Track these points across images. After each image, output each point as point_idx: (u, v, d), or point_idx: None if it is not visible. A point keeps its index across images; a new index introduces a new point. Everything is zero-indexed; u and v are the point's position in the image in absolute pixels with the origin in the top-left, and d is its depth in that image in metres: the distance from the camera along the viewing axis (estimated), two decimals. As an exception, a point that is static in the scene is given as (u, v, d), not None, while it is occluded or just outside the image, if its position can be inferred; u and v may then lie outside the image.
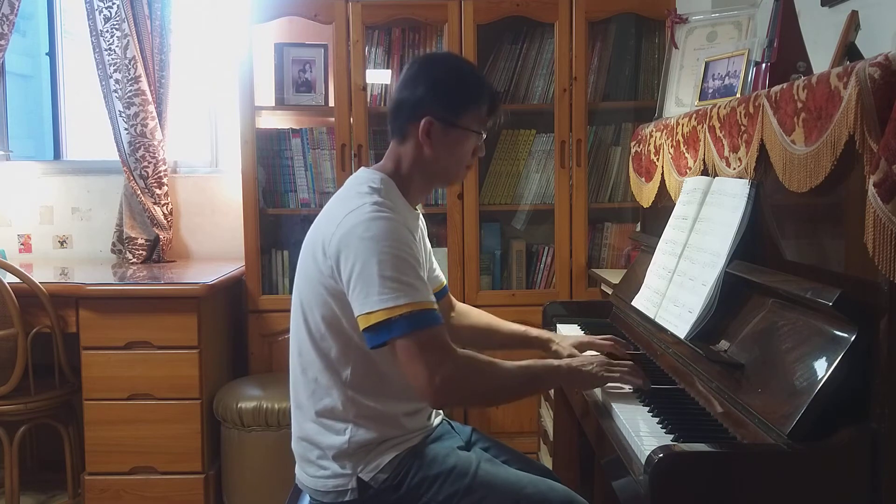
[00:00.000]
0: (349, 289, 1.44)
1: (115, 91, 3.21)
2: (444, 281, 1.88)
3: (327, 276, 1.48)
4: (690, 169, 1.90)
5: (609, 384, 1.58)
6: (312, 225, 1.59)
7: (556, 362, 1.61)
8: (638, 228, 2.66)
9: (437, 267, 1.86)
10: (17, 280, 2.66)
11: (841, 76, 1.19)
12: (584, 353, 1.76)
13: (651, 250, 1.99)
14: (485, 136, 1.64)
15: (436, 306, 1.45)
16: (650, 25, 3.06)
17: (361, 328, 1.42)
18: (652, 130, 2.26)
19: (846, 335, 1.18)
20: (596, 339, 1.86)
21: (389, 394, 1.54)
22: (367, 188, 1.52)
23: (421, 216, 1.72)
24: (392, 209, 1.49)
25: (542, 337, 1.89)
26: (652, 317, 1.80)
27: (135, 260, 3.29)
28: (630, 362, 1.62)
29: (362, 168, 1.63)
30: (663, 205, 2.15)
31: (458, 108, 1.56)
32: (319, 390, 1.54)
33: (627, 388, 1.59)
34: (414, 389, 1.43)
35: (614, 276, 2.61)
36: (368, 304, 1.40)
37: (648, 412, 1.47)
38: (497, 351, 1.79)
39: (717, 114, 1.72)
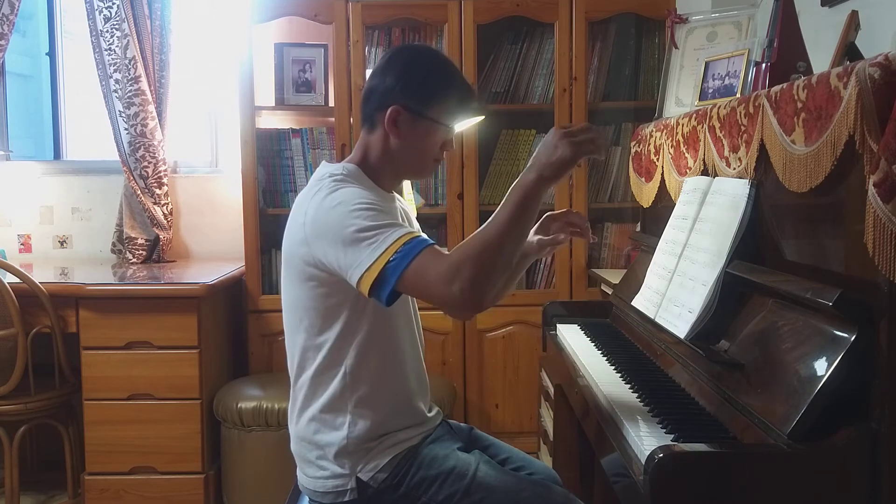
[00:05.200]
0: (341, 263, 1.40)
1: (115, 91, 3.21)
2: None
3: (311, 267, 1.47)
4: (690, 169, 1.90)
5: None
6: (286, 227, 1.57)
7: (523, 177, 1.38)
8: (638, 228, 2.66)
9: None
10: (17, 280, 2.66)
11: (841, 76, 1.19)
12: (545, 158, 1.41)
13: (651, 250, 1.99)
14: (455, 130, 1.59)
15: (420, 233, 1.43)
16: (650, 25, 3.06)
17: (367, 292, 1.36)
18: (652, 130, 2.26)
19: (846, 335, 1.18)
20: (555, 213, 1.74)
21: (386, 382, 1.54)
22: (329, 178, 1.50)
23: (399, 199, 1.68)
24: (354, 185, 1.48)
25: None
26: (652, 317, 1.80)
27: (135, 260, 3.29)
28: (585, 124, 1.43)
29: (322, 163, 1.62)
30: (663, 205, 2.15)
31: (427, 98, 1.52)
32: (316, 387, 1.54)
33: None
34: (443, 311, 1.40)
35: (614, 276, 2.61)
36: (362, 264, 1.36)
37: (648, 412, 1.47)
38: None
39: (717, 114, 1.72)
